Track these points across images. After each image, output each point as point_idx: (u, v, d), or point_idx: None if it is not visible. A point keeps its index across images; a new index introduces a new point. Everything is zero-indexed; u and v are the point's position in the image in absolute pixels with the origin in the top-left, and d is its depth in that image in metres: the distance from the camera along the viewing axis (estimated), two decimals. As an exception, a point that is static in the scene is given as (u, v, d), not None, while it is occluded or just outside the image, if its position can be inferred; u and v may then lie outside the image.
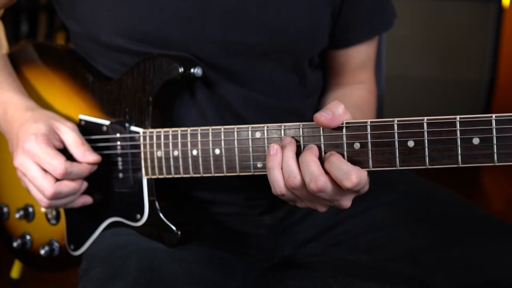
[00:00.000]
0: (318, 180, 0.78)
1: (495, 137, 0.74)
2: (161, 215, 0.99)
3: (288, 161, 0.82)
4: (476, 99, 3.08)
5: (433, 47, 3.02)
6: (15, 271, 1.36)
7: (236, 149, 0.90)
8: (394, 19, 1.18)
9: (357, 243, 1.13)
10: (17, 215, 1.15)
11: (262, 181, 0.87)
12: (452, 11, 2.95)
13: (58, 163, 0.95)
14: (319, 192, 0.79)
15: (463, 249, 1.06)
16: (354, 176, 0.77)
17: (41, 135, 0.97)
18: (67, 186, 0.97)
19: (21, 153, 0.97)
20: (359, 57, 1.17)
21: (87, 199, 1.04)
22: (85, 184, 1.01)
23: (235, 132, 0.90)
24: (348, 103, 0.96)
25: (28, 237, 1.16)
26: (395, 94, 2.91)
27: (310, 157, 0.80)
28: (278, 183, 0.83)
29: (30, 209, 1.14)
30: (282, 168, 0.82)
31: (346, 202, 0.83)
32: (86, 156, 0.99)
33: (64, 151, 0.99)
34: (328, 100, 1.15)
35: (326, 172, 0.80)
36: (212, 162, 0.92)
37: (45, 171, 0.97)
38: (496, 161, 0.75)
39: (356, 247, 1.13)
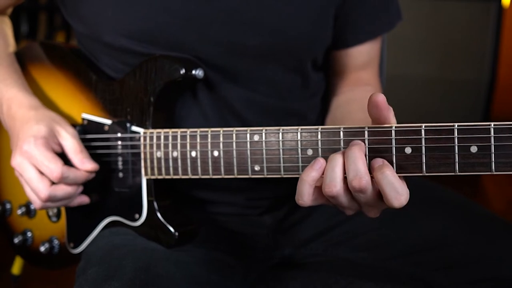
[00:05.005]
0: (362, 178, 0.75)
1: (493, 146, 0.73)
2: (159, 215, 0.99)
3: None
4: (476, 99, 3.08)
5: (433, 47, 3.02)
6: (16, 267, 1.37)
7: (234, 151, 0.90)
8: (398, 20, 1.17)
9: (358, 243, 1.13)
10: (19, 212, 1.15)
11: (262, 182, 0.87)
12: (452, 11, 2.95)
13: (55, 167, 0.96)
14: (359, 192, 0.76)
15: (465, 247, 1.06)
16: (404, 198, 0.74)
17: (41, 137, 0.97)
18: (62, 190, 0.98)
19: (19, 153, 0.98)
20: (362, 57, 1.17)
21: (84, 199, 1.04)
22: (80, 188, 1.01)
23: (234, 135, 0.90)
24: (357, 107, 0.94)
25: (29, 234, 1.17)
26: (395, 93, 2.91)
27: (359, 154, 0.77)
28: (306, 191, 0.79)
29: (32, 206, 1.15)
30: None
31: (375, 211, 0.81)
32: (84, 164, 0.99)
33: (62, 155, 1.00)
34: (335, 104, 1.15)
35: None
36: (210, 164, 0.92)
37: (42, 173, 0.97)
38: (493, 170, 0.74)
39: (357, 246, 1.13)
